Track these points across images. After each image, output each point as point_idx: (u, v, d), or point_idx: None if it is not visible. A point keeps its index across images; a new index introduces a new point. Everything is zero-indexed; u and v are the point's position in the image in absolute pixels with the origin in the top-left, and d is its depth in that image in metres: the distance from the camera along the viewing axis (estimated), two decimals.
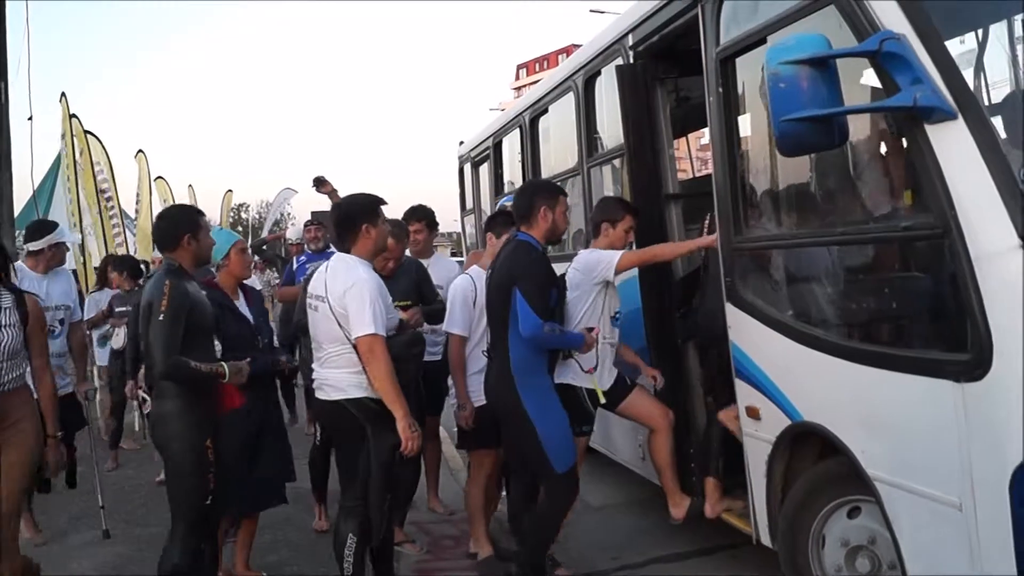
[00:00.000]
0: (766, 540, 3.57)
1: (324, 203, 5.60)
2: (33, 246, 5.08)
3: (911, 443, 2.70)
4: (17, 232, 8.34)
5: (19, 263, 5.00)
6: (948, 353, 2.54)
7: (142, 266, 7.61)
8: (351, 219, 3.70)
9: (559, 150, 6.12)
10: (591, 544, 4.62)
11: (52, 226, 5.27)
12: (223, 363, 3.59)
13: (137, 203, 15.06)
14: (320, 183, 5.39)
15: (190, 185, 32.52)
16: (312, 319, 3.72)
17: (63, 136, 10.16)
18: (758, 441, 3.52)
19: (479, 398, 4.25)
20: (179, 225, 3.68)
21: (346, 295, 3.52)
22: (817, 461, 3.31)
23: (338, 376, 3.60)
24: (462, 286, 4.36)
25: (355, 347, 3.51)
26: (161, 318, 3.38)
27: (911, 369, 2.65)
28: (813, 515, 3.24)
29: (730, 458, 3.91)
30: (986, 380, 2.38)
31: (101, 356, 7.20)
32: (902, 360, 2.71)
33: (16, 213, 7.92)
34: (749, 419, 3.57)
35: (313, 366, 3.77)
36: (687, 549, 4.62)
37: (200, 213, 3.89)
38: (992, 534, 2.41)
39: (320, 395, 3.72)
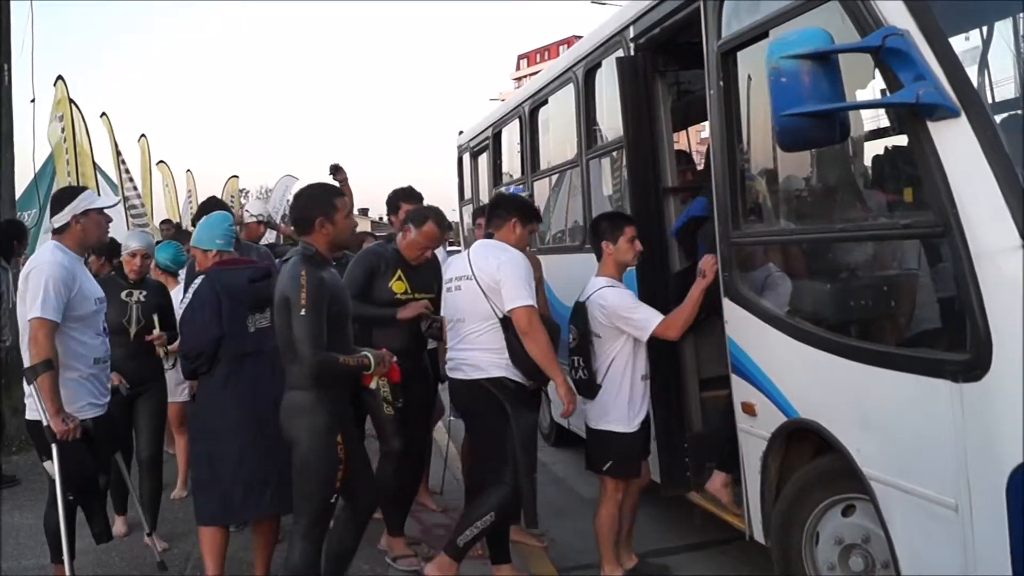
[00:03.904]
0: (759, 536, 3.57)
1: None
2: (58, 220, 3.77)
3: (907, 442, 2.68)
4: (18, 213, 8.29)
5: (54, 241, 3.77)
6: (946, 352, 2.52)
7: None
8: (506, 211, 3.95)
9: (558, 141, 6.11)
10: (582, 537, 4.59)
11: (79, 190, 4.09)
12: (367, 353, 3.32)
13: (140, 188, 14.99)
14: (337, 170, 5.74)
15: (188, 170, 32.29)
16: (452, 300, 3.87)
17: (60, 118, 10.08)
18: (753, 437, 3.51)
19: None
20: (312, 207, 3.34)
21: (500, 269, 3.68)
22: (812, 458, 3.29)
23: (478, 356, 3.72)
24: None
25: (501, 321, 3.65)
26: (303, 313, 3.09)
27: (909, 368, 2.63)
28: (807, 512, 3.23)
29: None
30: (984, 381, 2.36)
31: None
32: (900, 359, 2.69)
33: (17, 195, 7.88)
34: (744, 415, 3.56)
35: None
36: (678, 544, 4.62)
37: (339, 194, 3.48)
38: (987, 536, 2.39)
39: (457, 375, 3.82)
